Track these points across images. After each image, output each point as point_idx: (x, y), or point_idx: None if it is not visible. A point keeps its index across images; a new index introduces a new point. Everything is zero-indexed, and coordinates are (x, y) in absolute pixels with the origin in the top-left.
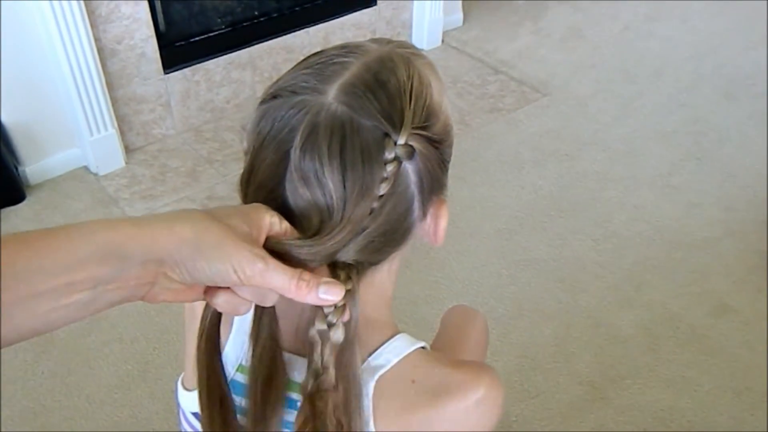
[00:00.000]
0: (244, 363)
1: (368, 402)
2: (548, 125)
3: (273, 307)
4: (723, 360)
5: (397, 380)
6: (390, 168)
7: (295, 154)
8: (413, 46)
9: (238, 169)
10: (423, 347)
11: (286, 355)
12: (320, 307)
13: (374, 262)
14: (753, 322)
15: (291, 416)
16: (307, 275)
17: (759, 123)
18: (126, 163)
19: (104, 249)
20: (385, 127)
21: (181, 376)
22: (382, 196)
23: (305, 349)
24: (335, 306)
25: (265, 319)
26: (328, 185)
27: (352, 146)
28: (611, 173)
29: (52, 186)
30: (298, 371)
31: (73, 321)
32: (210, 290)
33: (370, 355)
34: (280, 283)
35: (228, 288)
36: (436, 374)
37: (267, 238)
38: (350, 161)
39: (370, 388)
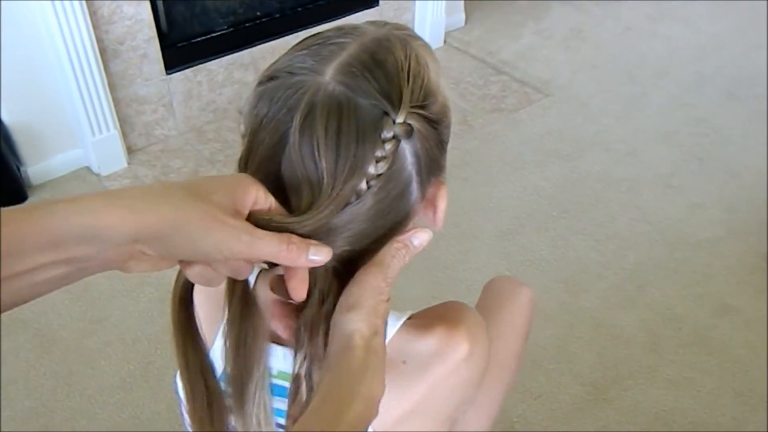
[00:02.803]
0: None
1: None
2: (550, 126)
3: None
4: (725, 361)
5: (390, 366)
6: (388, 147)
7: (294, 135)
8: (410, 29)
9: None
10: (409, 319)
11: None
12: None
13: (378, 249)
14: (755, 322)
15: (280, 404)
16: (296, 238)
17: (761, 123)
18: (128, 163)
19: (82, 232)
20: (383, 105)
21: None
22: (380, 175)
23: (289, 339)
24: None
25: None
26: (321, 162)
27: (348, 126)
28: (613, 174)
29: (54, 186)
30: (276, 359)
31: (46, 293)
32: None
33: None
34: (270, 250)
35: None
36: (419, 348)
37: (251, 213)
38: (345, 140)
39: None
